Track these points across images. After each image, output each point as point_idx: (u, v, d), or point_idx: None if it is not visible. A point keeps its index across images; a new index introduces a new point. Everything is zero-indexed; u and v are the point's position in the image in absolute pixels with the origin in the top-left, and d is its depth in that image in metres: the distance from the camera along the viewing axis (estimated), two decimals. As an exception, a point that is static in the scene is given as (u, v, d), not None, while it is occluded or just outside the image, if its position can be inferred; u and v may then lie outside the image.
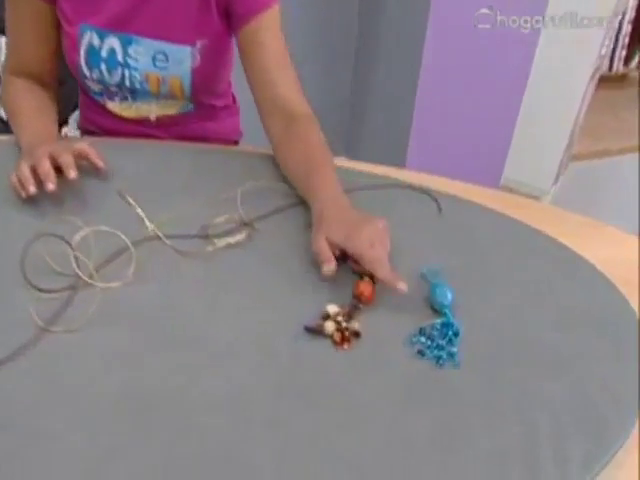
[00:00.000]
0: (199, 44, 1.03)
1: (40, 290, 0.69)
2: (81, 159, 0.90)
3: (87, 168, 0.90)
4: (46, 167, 0.82)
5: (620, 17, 3.09)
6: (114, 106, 1.13)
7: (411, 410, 0.59)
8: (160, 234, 0.79)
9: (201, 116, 1.17)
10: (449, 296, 0.70)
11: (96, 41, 1.02)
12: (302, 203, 0.88)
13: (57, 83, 1.13)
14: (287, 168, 0.94)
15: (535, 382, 0.63)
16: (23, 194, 0.83)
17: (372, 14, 2.33)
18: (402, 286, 0.69)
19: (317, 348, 0.65)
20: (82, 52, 1.03)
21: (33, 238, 0.68)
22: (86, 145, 0.91)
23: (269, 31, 0.99)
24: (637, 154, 2.98)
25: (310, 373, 0.63)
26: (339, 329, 0.66)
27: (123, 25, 1.01)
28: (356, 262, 0.74)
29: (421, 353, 0.65)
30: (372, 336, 0.67)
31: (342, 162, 1.01)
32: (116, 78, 1.06)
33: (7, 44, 1.09)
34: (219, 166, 1.00)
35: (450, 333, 0.67)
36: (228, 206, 0.84)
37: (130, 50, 1.03)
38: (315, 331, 0.66)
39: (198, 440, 0.55)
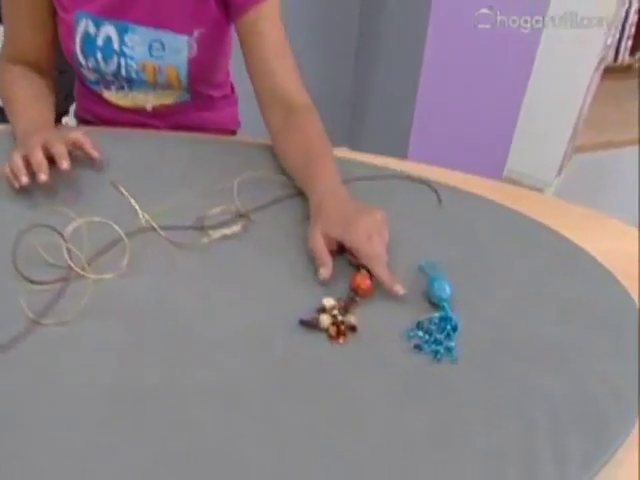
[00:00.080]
0: (196, 33, 1.01)
1: (32, 282, 0.68)
2: (76, 149, 0.89)
3: (82, 158, 0.89)
4: (39, 157, 0.81)
5: (627, 6, 3.06)
6: (110, 95, 1.12)
7: (407, 406, 0.58)
8: (155, 225, 0.78)
9: (198, 106, 1.16)
10: (447, 289, 0.69)
11: (92, 29, 1.01)
12: (300, 194, 0.87)
13: (55, 70, 1.12)
14: (285, 159, 0.93)
15: (534, 378, 0.62)
16: (16, 184, 0.82)
17: (374, 6, 2.31)
18: (398, 289, 0.69)
19: (312, 342, 0.64)
20: (78, 40, 1.02)
21: (25, 229, 0.67)
22: (80, 135, 0.89)
23: (268, 21, 0.97)
24: (637, 147, 2.96)
25: (305, 367, 0.62)
26: (335, 323, 0.65)
27: (119, 13, 1.00)
28: (354, 255, 0.73)
29: (418, 348, 0.64)
30: (368, 330, 0.66)
31: (343, 152, 1.00)
32: (112, 67, 1.05)
33: (3, 31, 1.07)
34: (216, 156, 0.99)
35: (448, 327, 0.66)
36: (224, 197, 0.83)
37: (126, 38, 1.02)
38: (310, 325, 0.65)
39: (191, 434, 0.54)
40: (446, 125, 2.17)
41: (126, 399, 0.57)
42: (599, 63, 2.42)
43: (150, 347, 0.63)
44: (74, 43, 1.02)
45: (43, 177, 0.80)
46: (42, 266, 0.70)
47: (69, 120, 1.37)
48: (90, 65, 1.05)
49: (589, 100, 2.55)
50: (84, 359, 0.61)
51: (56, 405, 0.56)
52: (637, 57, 3.73)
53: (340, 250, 0.74)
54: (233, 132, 1.29)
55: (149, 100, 1.11)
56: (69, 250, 0.69)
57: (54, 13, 1.02)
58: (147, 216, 0.79)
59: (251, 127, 1.24)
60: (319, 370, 0.61)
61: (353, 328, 0.65)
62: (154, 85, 1.08)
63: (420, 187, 0.93)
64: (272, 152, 0.97)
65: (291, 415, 0.56)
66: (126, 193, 0.83)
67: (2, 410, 0.55)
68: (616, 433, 0.56)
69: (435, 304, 0.69)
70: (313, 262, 0.73)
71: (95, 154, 0.89)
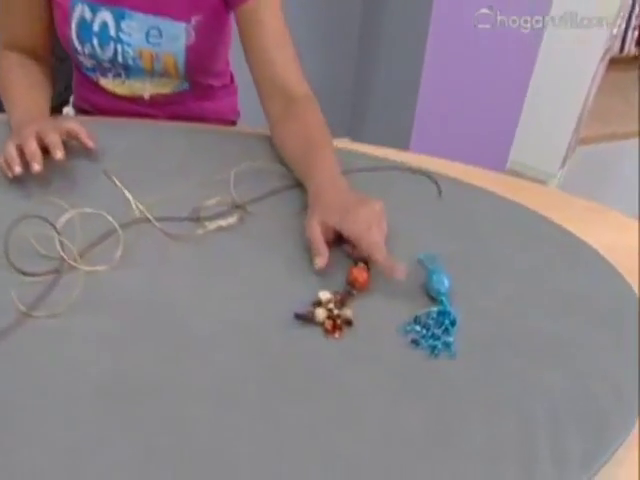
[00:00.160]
0: (194, 20, 1.00)
1: (23, 273, 0.67)
2: (70, 138, 0.88)
3: (77, 148, 0.88)
4: (32, 147, 0.80)
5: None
6: (107, 83, 1.10)
7: (404, 402, 0.57)
8: (149, 216, 0.77)
9: (197, 95, 1.15)
10: (446, 283, 0.68)
11: (88, 15, 1.00)
12: (298, 186, 0.86)
13: (52, 57, 1.10)
14: (284, 148, 0.92)
15: (534, 374, 0.60)
16: (9, 174, 0.80)
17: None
18: (400, 272, 0.67)
19: (307, 336, 0.63)
20: (73, 26, 1.00)
21: (17, 220, 0.65)
22: (75, 124, 0.88)
23: (268, 9, 0.96)
24: (637, 139, 2.94)
25: (299, 362, 0.60)
26: (330, 317, 0.64)
27: None
28: (351, 246, 0.72)
29: (415, 343, 0.63)
30: (365, 324, 0.65)
31: (343, 143, 0.98)
32: (108, 53, 1.03)
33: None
34: (214, 147, 0.97)
35: (446, 322, 0.65)
36: (222, 188, 0.81)
37: (123, 25, 1.00)
38: (305, 318, 0.64)
39: (182, 431, 0.53)
40: (448, 117, 2.15)
41: (118, 393, 0.56)
42: (604, 54, 2.39)
43: (143, 341, 0.62)
44: (70, 29, 1.01)
45: (36, 167, 0.79)
46: (34, 257, 0.69)
47: (70, 110, 1.35)
48: (86, 51, 1.03)
49: (594, 91, 2.53)
50: (75, 352, 0.60)
51: (46, 399, 0.55)
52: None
53: (337, 242, 0.73)
54: (233, 123, 1.27)
55: (146, 88, 1.10)
56: (61, 242, 0.68)
57: (50, -2, 1.00)
58: (141, 207, 0.77)
59: (250, 118, 1.23)
60: (314, 365, 0.60)
61: (349, 322, 0.64)
62: (151, 73, 1.07)
63: (420, 178, 0.91)
64: (271, 143, 0.96)
65: (285, 411, 0.55)
66: (119, 184, 0.82)
67: (-9, 404, 0.54)
68: (616, 432, 0.54)
69: (433, 298, 0.68)
70: (309, 253, 0.72)
71: (90, 144, 0.88)
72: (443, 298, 0.67)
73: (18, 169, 0.79)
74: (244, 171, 0.84)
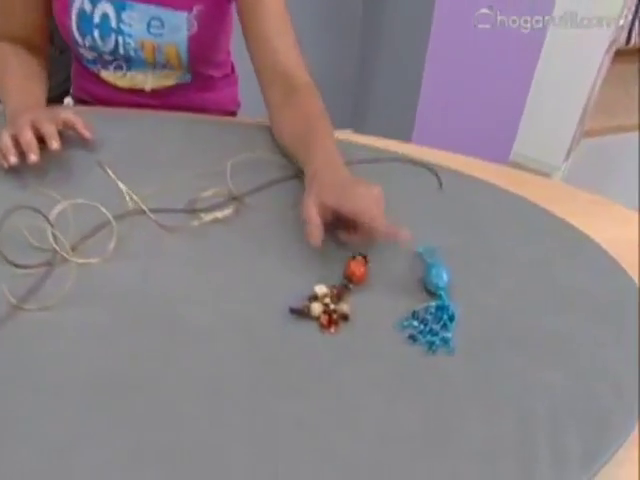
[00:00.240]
0: (196, 10, 0.99)
1: (15, 265, 0.66)
2: (67, 129, 0.86)
3: (73, 138, 0.87)
4: (28, 137, 0.78)
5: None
6: (108, 75, 1.09)
7: (401, 399, 0.56)
8: (144, 208, 0.75)
9: (198, 87, 1.13)
10: (445, 277, 0.66)
11: (88, 6, 0.98)
12: (296, 177, 0.84)
13: (49, 48, 1.09)
14: (283, 135, 0.90)
15: (534, 372, 0.59)
16: (4, 165, 0.79)
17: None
18: (404, 236, 0.66)
19: (303, 331, 0.62)
20: (74, 17, 0.99)
21: (9, 211, 0.64)
22: (72, 114, 0.87)
23: None
24: (637, 133, 2.92)
25: (294, 357, 0.59)
26: (326, 311, 0.62)
27: None
28: (347, 228, 0.70)
29: (413, 338, 0.62)
30: (361, 319, 0.63)
31: (345, 135, 0.97)
32: (110, 45, 1.02)
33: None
34: (213, 137, 0.96)
35: (445, 317, 0.63)
36: (219, 179, 0.80)
37: (124, 16, 0.99)
38: (301, 313, 0.63)
39: (176, 425, 0.52)
40: (451, 109, 2.13)
41: (111, 387, 0.55)
42: (610, 45, 2.37)
43: (136, 334, 0.61)
44: (70, 20, 0.99)
45: (33, 157, 0.78)
46: (26, 249, 0.68)
47: (70, 101, 1.34)
48: (87, 44, 1.02)
49: (599, 83, 2.50)
50: (67, 346, 0.59)
51: (37, 393, 0.54)
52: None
53: (333, 227, 0.71)
54: (233, 113, 1.26)
55: (148, 81, 1.09)
56: (54, 233, 0.67)
57: (48, -12, 0.99)
58: (135, 198, 0.76)
59: (251, 108, 1.21)
60: (309, 361, 0.59)
61: (345, 317, 0.63)
62: (153, 65, 1.05)
63: (421, 170, 0.90)
64: (271, 133, 0.95)
65: (279, 407, 0.54)
66: (112, 175, 0.80)
67: (-21, 398, 0.53)
68: (617, 433, 0.53)
69: (432, 292, 0.67)
70: (307, 246, 0.69)
71: (87, 134, 0.86)
72: (442, 293, 0.66)
73: (13, 159, 0.78)
74: (242, 162, 0.82)
